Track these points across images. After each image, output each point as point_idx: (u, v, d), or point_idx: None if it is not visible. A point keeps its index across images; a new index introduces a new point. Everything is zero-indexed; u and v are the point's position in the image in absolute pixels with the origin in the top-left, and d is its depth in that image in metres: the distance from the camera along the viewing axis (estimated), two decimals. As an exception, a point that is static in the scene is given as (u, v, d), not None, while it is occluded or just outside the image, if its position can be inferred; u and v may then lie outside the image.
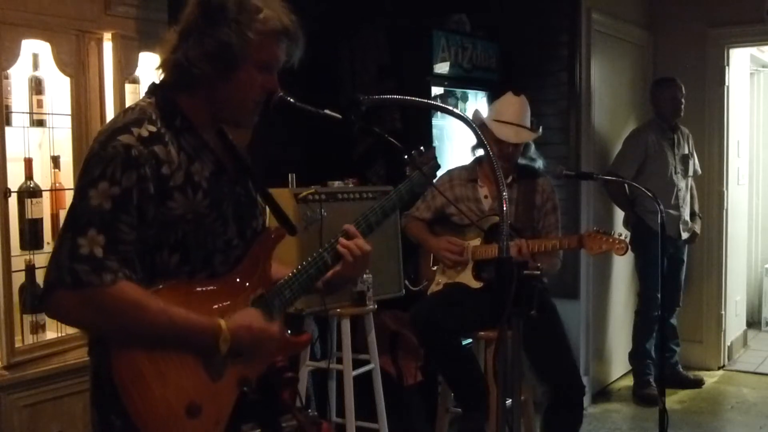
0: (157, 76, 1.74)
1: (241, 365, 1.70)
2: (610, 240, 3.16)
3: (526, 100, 3.51)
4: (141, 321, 1.55)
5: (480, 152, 3.54)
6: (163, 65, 1.71)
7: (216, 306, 1.67)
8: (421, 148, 2.06)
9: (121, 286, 1.53)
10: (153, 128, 1.61)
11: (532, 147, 3.53)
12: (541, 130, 3.51)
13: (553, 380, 3.37)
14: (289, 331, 1.82)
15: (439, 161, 2.14)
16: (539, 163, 3.57)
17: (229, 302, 1.69)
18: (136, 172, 1.55)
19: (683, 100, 5.06)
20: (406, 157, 1.96)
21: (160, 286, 1.61)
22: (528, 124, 3.46)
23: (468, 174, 3.57)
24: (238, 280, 1.73)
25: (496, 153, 3.31)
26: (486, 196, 3.51)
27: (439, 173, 3.19)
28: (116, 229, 1.53)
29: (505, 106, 3.48)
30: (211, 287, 1.69)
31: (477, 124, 3.42)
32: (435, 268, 3.57)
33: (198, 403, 1.61)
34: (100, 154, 1.56)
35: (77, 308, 1.53)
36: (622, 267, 5.32)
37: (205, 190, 1.66)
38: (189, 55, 1.64)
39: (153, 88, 1.73)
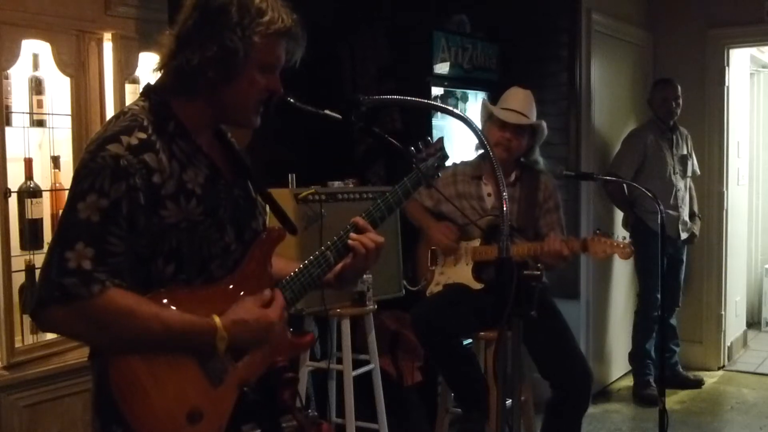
0: (153, 78, 1.71)
1: (242, 366, 1.68)
2: (615, 243, 3.16)
3: (532, 95, 3.54)
4: (133, 327, 1.52)
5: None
6: (162, 70, 1.68)
7: (214, 311, 1.63)
8: (429, 138, 2.05)
9: (110, 295, 1.50)
10: (143, 135, 1.58)
11: (537, 152, 3.55)
12: (545, 125, 3.52)
13: (560, 370, 3.33)
14: (291, 329, 1.81)
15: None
16: (541, 165, 3.58)
17: (226, 306, 1.65)
18: (125, 183, 1.52)
19: (679, 102, 5.05)
20: (412, 149, 1.96)
21: (157, 292, 1.59)
22: (530, 115, 3.47)
23: (472, 170, 3.56)
24: (236, 283, 1.70)
25: (498, 139, 3.38)
26: (489, 194, 3.50)
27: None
28: (105, 242, 1.51)
29: (511, 95, 3.54)
30: (209, 292, 1.66)
31: (484, 114, 3.49)
32: (433, 267, 3.57)
33: (199, 409, 1.59)
34: (89, 165, 1.54)
35: (69, 322, 1.51)
36: (622, 267, 5.31)
37: (199, 197, 1.63)
38: (191, 61, 1.61)
39: (147, 91, 1.70)
